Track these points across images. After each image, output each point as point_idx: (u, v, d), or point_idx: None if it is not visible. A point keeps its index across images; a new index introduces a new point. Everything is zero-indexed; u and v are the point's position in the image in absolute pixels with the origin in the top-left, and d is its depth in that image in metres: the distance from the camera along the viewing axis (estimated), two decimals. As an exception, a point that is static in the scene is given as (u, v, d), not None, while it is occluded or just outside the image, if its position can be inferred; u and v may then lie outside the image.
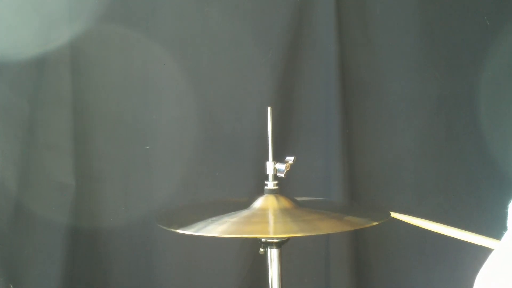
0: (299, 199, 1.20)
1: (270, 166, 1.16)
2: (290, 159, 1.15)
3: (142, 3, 1.63)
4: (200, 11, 1.63)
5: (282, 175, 1.15)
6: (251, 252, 1.61)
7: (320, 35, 1.65)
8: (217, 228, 1.03)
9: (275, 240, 1.14)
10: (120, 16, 1.61)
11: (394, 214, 1.21)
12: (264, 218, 1.09)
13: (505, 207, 0.78)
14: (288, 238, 1.16)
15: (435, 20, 1.67)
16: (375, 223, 1.07)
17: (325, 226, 1.10)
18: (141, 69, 1.64)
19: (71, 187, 1.57)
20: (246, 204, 1.14)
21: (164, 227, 1.08)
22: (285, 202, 1.14)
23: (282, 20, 1.64)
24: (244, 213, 1.11)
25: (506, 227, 0.74)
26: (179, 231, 1.02)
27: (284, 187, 1.19)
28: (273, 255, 1.16)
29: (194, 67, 1.64)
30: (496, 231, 0.92)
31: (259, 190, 1.18)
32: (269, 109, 1.17)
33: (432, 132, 1.68)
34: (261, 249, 1.16)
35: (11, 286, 1.50)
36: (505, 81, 1.66)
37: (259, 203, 1.14)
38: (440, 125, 1.68)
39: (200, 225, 1.05)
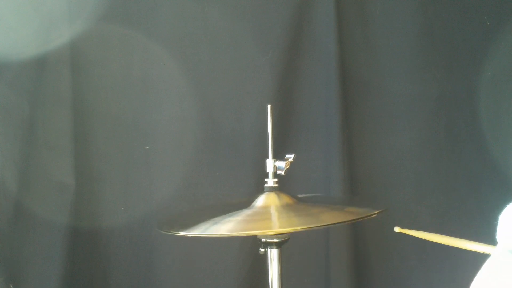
0: (299, 195, 1.21)
1: (270, 164, 1.16)
2: (290, 156, 1.15)
3: (142, 3, 1.63)
4: (200, 11, 1.63)
5: (282, 172, 1.15)
6: (251, 252, 1.61)
7: (320, 35, 1.65)
8: (221, 227, 1.03)
9: (275, 240, 1.15)
10: (120, 16, 1.61)
11: (398, 229, 1.21)
12: (268, 215, 1.10)
13: (504, 208, 0.78)
14: (288, 238, 1.16)
15: (435, 20, 1.67)
16: (377, 212, 1.07)
17: (329, 218, 1.10)
18: (141, 69, 1.64)
19: (71, 187, 1.57)
20: (247, 203, 1.14)
21: (167, 232, 1.07)
22: (286, 199, 1.14)
23: (282, 20, 1.64)
24: (247, 211, 1.11)
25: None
26: (183, 233, 1.02)
27: (284, 187, 1.19)
28: (273, 255, 1.16)
29: (194, 67, 1.64)
30: (495, 231, 0.92)
31: (259, 189, 1.18)
32: (269, 106, 1.17)
33: (432, 132, 1.68)
34: (261, 249, 1.17)
35: (11, 286, 1.50)
36: (505, 81, 1.66)
37: (261, 201, 1.14)
38: (440, 125, 1.68)
39: (204, 226, 1.05)
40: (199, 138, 1.64)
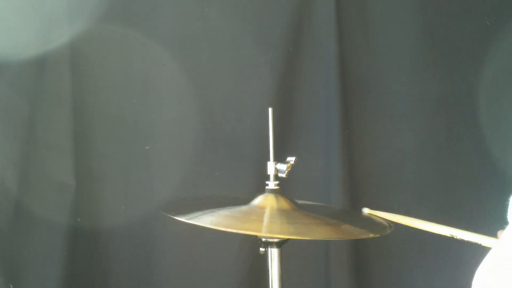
0: (299, 201, 1.20)
1: (272, 166, 1.16)
2: (291, 159, 1.15)
3: (142, 3, 1.63)
4: (200, 11, 1.63)
5: (283, 175, 1.14)
6: (251, 253, 1.61)
7: (320, 35, 1.65)
8: (209, 219, 1.03)
9: (276, 240, 1.14)
10: (120, 16, 1.61)
11: (367, 210, 1.21)
12: (260, 216, 1.09)
13: (505, 206, 0.78)
14: (288, 238, 1.16)
15: (435, 20, 1.67)
16: (371, 235, 1.07)
17: (320, 232, 1.09)
18: (141, 69, 1.64)
19: (71, 187, 1.57)
20: (246, 201, 1.14)
21: (163, 212, 1.08)
22: (284, 203, 1.14)
23: (282, 20, 1.64)
24: (241, 208, 1.10)
25: (507, 221, 0.73)
26: (173, 217, 1.02)
27: (284, 186, 1.19)
28: (273, 255, 1.16)
29: (194, 67, 1.64)
30: (496, 231, 0.92)
31: (260, 190, 1.18)
32: (270, 109, 1.16)
33: (432, 132, 1.68)
34: (261, 249, 1.16)
35: (11, 286, 1.50)
36: (505, 81, 1.66)
37: (258, 201, 1.14)
38: (440, 125, 1.68)
39: (194, 214, 1.04)
40: (199, 138, 1.64)
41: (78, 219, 1.56)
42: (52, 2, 1.54)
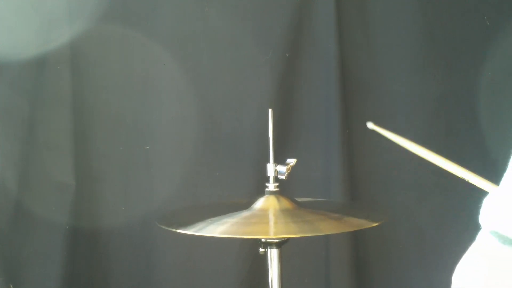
0: (299, 199, 1.20)
1: (271, 168, 1.15)
2: (291, 161, 1.15)
3: (142, 3, 1.63)
4: (200, 11, 1.63)
5: (283, 177, 1.14)
6: (251, 253, 1.61)
7: (320, 35, 1.65)
8: (217, 228, 1.03)
9: (275, 240, 1.14)
10: (120, 16, 1.61)
11: (371, 125, 1.17)
12: (265, 219, 1.09)
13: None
14: (288, 238, 1.16)
15: (435, 20, 1.66)
16: (375, 224, 1.07)
17: (326, 227, 1.10)
18: (141, 69, 1.64)
19: (71, 187, 1.57)
20: (247, 205, 1.14)
21: (164, 227, 1.08)
22: (285, 203, 1.14)
23: (282, 20, 1.64)
24: (245, 213, 1.11)
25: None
26: (179, 231, 1.02)
27: (284, 187, 1.19)
28: (273, 255, 1.16)
29: (194, 67, 1.64)
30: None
31: (260, 191, 1.18)
32: (270, 111, 1.16)
33: (432, 132, 1.68)
34: (261, 249, 1.17)
35: (11, 286, 1.50)
36: (505, 81, 1.65)
37: (259, 203, 1.14)
38: (440, 125, 1.68)
39: (200, 225, 1.05)
40: (199, 138, 1.64)
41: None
42: (52, 2, 1.54)
